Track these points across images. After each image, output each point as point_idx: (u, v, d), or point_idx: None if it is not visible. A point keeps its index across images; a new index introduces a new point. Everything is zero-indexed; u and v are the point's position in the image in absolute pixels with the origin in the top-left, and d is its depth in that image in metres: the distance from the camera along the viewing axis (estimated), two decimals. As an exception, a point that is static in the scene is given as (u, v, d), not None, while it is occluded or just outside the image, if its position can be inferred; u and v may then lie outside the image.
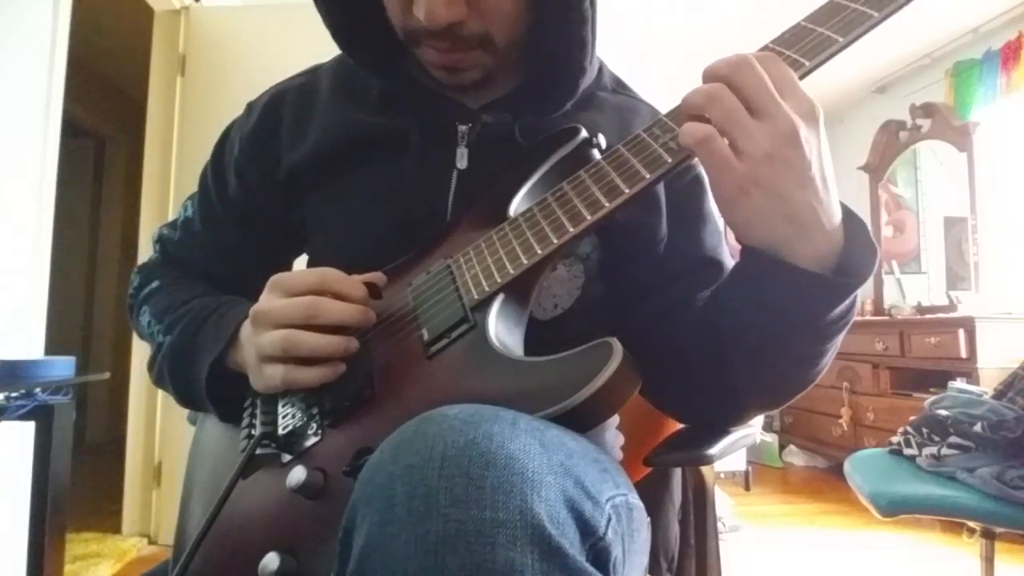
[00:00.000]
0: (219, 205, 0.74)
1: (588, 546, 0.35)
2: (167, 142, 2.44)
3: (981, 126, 3.24)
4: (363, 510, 0.35)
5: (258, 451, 0.52)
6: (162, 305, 0.69)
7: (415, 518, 0.32)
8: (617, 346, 0.42)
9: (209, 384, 0.59)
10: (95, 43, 3.25)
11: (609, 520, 0.37)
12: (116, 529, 2.43)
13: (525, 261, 0.51)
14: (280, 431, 0.53)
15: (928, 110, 3.49)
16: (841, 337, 0.52)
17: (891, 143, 3.80)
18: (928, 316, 3.19)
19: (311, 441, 0.51)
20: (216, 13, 2.51)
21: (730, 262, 0.67)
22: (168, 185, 2.42)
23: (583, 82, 0.64)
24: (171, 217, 0.81)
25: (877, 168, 3.90)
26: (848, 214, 0.48)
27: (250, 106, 0.74)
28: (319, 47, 0.74)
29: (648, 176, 0.48)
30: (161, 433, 2.39)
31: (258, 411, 0.57)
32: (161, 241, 0.79)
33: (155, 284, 0.73)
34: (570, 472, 0.36)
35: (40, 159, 1.81)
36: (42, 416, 1.36)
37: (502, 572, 0.31)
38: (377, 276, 0.58)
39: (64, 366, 1.41)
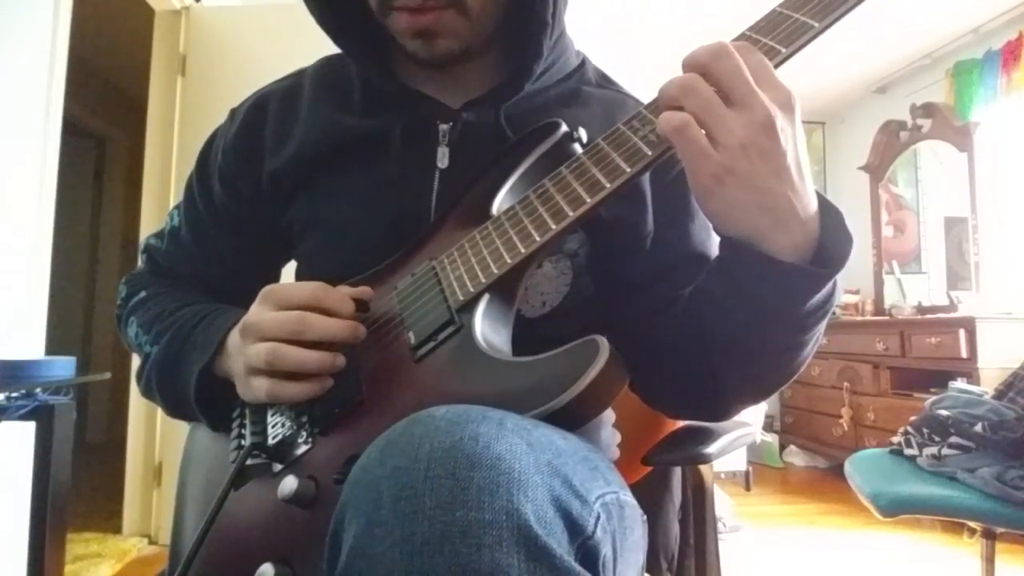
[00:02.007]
0: (205, 213, 0.73)
1: (576, 545, 0.35)
2: (167, 142, 2.45)
3: (981, 126, 3.23)
4: (350, 512, 0.35)
5: (249, 461, 0.52)
6: (149, 315, 0.69)
7: (401, 520, 0.32)
8: (604, 343, 0.42)
9: (197, 393, 0.59)
10: (95, 43, 3.25)
11: (598, 519, 0.37)
12: (116, 529, 2.43)
13: (509, 260, 0.51)
14: (270, 440, 0.53)
15: (928, 110, 3.49)
16: (822, 327, 0.52)
17: (891, 143, 3.80)
18: (929, 316, 3.19)
19: (301, 450, 0.51)
20: (216, 13, 2.51)
21: None
22: (168, 185, 2.42)
23: (545, 38, 0.63)
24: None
25: (877, 168, 3.89)
26: (823, 203, 0.48)
27: (233, 112, 0.74)
28: (319, 47, 0.73)
29: (629, 170, 0.48)
30: (161, 433, 2.39)
31: (247, 420, 0.56)
32: (148, 251, 0.78)
33: (142, 295, 0.73)
34: (558, 471, 0.36)
35: (40, 159, 1.81)
36: (42, 416, 1.36)
37: (488, 573, 0.31)
38: (365, 290, 0.57)
39: (64, 366, 1.41)
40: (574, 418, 0.42)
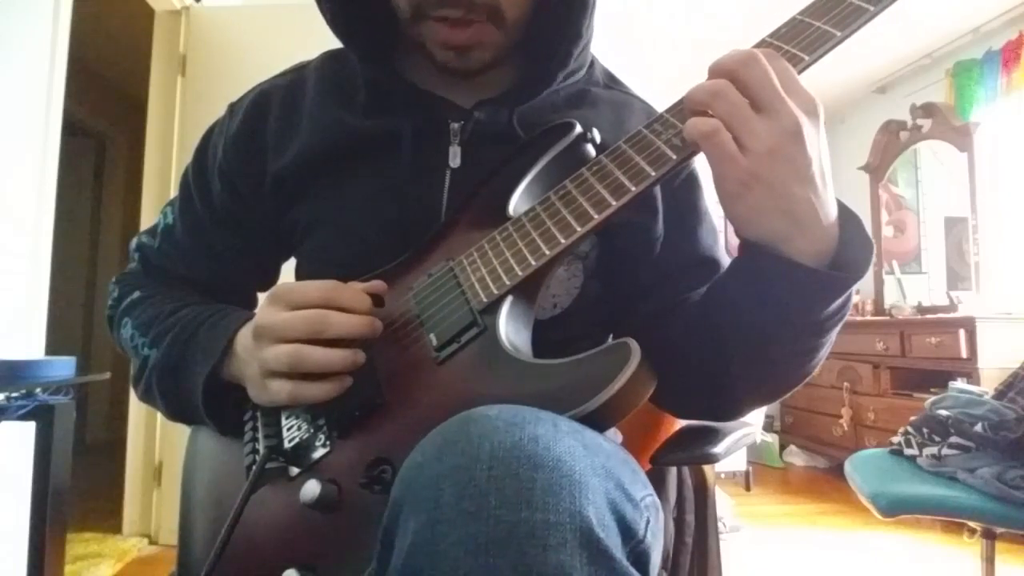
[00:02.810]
0: (203, 210, 0.71)
1: (629, 549, 0.36)
2: (167, 142, 2.45)
3: (981, 126, 3.23)
4: (407, 509, 0.35)
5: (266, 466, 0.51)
6: (146, 317, 0.67)
7: (465, 518, 0.32)
8: (635, 347, 0.42)
9: (204, 398, 0.58)
10: (95, 43, 3.24)
11: (648, 522, 0.38)
12: (116, 529, 2.43)
13: (533, 262, 0.50)
14: (286, 444, 0.52)
15: (928, 110, 3.49)
16: (836, 332, 0.52)
17: (892, 143, 3.80)
18: (929, 316, 3.19)
19: (319, 453, 0.50)
20: (216, 13, 2.51)
21: (726, 260, 0.67)
22: (168, 185, 2.41)
23: (576, 49, 0.63)
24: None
25: (877, 168, 3.89)
26: (843, 210, 0.48)
27: (232, 107, 0.72)
28: (319, 47, 0.73)
29: (654, 173, 0.48)
30: (161, 433, 2.39)
31: (260, 424, 0.56)
32: (140, 250, 0.75)
33: (136, 295, 0.71)
34: (611, 474, 0.37)
35: (40, 159, 1.81)
36: (42, 416, 1.35)
37: (552, 574, 0.31)
38: (379, 285, 0.56)
39: (64, 366, 1.41)
40: (603, 421, 0.41)
